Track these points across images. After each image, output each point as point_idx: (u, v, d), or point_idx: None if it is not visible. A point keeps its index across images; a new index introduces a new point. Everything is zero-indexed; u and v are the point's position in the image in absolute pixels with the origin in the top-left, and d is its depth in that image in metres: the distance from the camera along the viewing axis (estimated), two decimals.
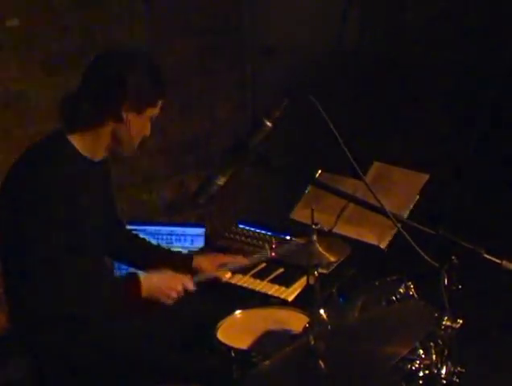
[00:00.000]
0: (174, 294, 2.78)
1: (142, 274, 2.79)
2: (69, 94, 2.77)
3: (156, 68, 2.81)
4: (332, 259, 2.53)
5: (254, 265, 3.24)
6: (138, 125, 2.77)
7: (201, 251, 3.60)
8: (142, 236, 3.30)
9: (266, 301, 3.07)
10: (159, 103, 2.81)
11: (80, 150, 2.74)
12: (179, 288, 2.80)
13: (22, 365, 2.93)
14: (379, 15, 5.86)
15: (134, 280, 2.74)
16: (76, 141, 2.73)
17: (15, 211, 2.61)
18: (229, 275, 3.12)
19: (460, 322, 2.46)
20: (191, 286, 2.85)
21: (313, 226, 2.53)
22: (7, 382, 3.49)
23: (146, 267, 2.99)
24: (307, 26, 5.38)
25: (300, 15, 5.38)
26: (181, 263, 3.07)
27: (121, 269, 3.80)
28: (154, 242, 3.33)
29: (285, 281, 3.16)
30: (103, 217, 2.91)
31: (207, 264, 3.11)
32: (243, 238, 3.50)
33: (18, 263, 2.62)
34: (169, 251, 3.35)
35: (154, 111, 2.80)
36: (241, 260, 3.17)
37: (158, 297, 2.76)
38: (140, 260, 3.13)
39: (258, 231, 3.53)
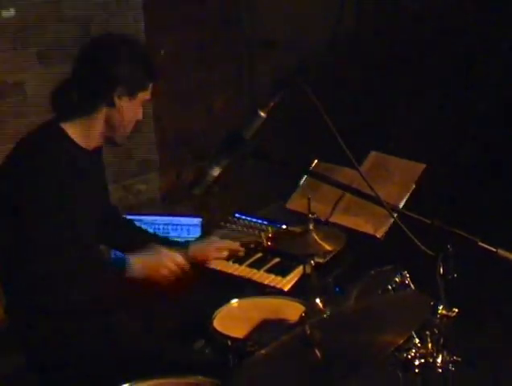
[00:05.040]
0: (165, 271, 2.76)
1: (129, 257, 2.76)
2: (61, 84, 2.77)
3: (145, 52, 2.81)
4: (329, 248, 2.53)
5: (251, 255, 3.26)
6: (131, 110, 2.77)
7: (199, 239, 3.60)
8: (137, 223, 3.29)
9: (262, 290, 3.08)
10: (150, 86, 2.81)
11: (75, 139, 2.74)
12: (169, 264, 2.78)
13: (19, 358, 2.93)
14: (376, 6, 5.86)
15: (122, 264, 2.72)
16: (70, 129, 2.74)
17: (10, 201, 2.61)
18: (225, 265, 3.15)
19: (456, 310, 2.47)
20: (181, 259, 2.81)
21: (310, 215, 2.53)
22: (4, 375, 3.49)
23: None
24: (303, 19, 5.37)
25: (297, 8, 5.38)
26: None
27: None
28: (150, 230, 3.33)
29: (281, 270, 3.16)
30: (99, 205, 2.92)
31: (202, 253, 3.12)
32: (239, 228, 3.50)
33: (13, 253, 2.62)
34: (165, 239, 3.34)
35: (145, 95, 2.80)
36: (235, 247, 3.20)
37: (150, 276, 2.74)
38: (136, 248, 3.13)
39: (254, 221, 3.54)
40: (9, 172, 2.68)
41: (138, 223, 3.37)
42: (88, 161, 2.81)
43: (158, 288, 2.78)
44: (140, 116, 2.84)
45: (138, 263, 2.73)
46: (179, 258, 2.82)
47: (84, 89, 2.71)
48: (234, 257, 3.22)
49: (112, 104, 2.72)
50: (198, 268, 3.01)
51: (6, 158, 2.73)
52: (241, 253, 3.23)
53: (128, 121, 2.79)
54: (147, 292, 2.79)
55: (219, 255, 3.18)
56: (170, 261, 2.78)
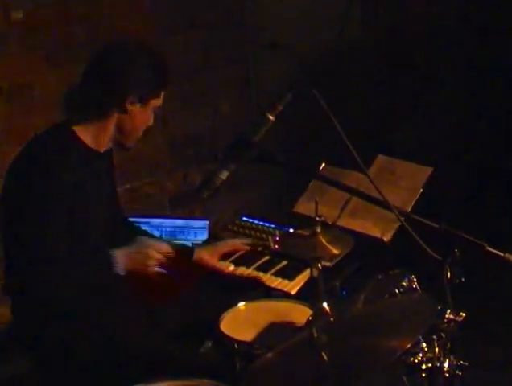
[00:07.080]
0: (151, 262, 2.74)
1: (114, 251, 2.75)
2: (73, 87, 2.78)
3: (159, 59, 2.81)
4: (336, 251, 2.53)
5: (258, 258, 3.25)
6: (143, 117, 2.78)
7: (204, 243, 3.60)
8: (143, 228, 3.28)
9: (269, 293, 3.07)
10: (162, 94, 2.81)
11: (86, 141, 2.75)
12: (155, 254, 2.75)
13: (25, 358, 2.94)
14: (380, 8, 5.86)
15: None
16: (82, 132, 2.74)
17: (20, 201, 2.61)
18: (232, 268, 3.14)
19: (463, 315, 2.47)
20: (166, 248, 2.81)
21: (317, 218, 2.53)
22: (10, 376, 3.49)
23: None
24: (309, 21, 5.37)
25: (303, 10, 5.38)
26: (182, 255, 3.06)
27: None
28: (156, 234, 3.33)
29: (288, 273, 3.16)
30: (107, 207, 2.92)
31: (208, 256, 3.11)
32: (246, 231, 3.49)
33: (19, 254, 2.62)
34: (171, 243, 3.33)
35: (157, 102, 2.80)
36: (241, 248, 3.20)
37: (138, 269, 2.73)
38: None
39: (261, 224, 3.53)
40: (20, 170, 2.69)
41: (145, 226, 3.37)
42: (98, 162, 2.82)
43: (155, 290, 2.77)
44: (151, 122, 2.84)
45: (123, 257, 2.72)
46: (164, 247, 2.81)
47: (97, 95, 2.71)
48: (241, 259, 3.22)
49: (124, 111, 2.73)
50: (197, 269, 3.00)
51: (17, 157, 2.74)
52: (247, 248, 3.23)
53: (139, 127, 2.79)
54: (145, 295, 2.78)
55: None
56: (155, 251, 2.76)
